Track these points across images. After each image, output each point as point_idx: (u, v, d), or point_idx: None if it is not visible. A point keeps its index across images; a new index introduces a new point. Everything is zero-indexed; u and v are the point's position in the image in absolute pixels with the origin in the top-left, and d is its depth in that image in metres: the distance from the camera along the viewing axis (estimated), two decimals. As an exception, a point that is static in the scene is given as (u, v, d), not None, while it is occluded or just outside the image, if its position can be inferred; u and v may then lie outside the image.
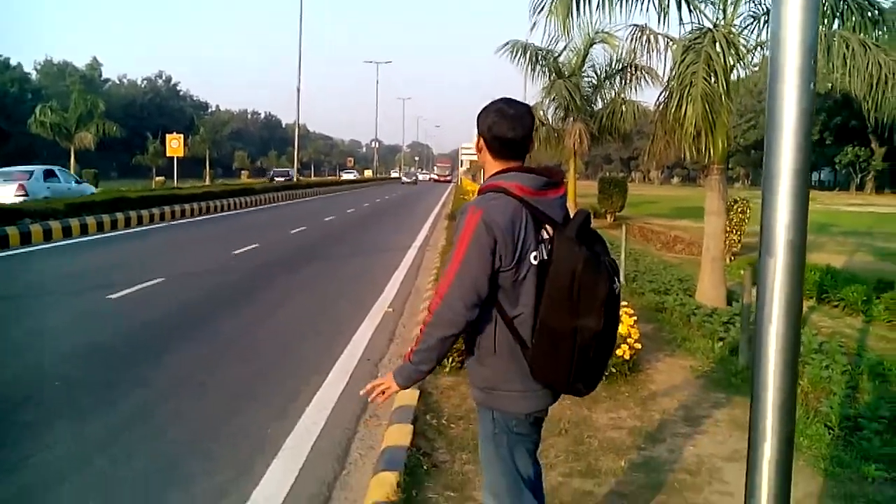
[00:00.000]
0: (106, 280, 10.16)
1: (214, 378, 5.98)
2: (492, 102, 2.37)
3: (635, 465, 4.12)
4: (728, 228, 13.73)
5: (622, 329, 5.61)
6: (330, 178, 77.79)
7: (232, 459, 4.33)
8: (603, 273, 2.19)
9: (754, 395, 1.64)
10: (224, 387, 5.77)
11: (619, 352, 5.52)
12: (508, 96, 2.41)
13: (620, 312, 5.66)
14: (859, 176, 65.10)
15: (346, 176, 77.94)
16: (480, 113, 2.36)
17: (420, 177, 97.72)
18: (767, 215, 1.58)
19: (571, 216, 2.32)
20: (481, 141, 2.37)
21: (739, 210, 14.34)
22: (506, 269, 2.20)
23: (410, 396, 5.04)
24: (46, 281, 10.56)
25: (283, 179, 49.73)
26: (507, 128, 2.29)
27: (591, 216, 2.35)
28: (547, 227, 2.26)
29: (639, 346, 5.69)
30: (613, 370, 5.60)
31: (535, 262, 2.23)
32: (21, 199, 18.19)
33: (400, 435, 4.33)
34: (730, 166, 74.81)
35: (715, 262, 8.88)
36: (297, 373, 6.14)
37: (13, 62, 68.67)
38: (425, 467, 3.99)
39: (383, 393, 2.39)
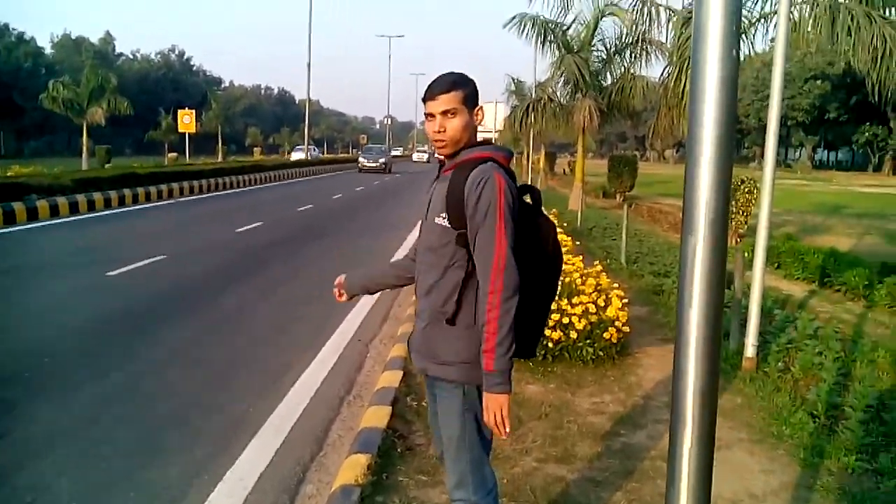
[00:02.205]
0: (107, 257, 10.20)
1: (205, 354, 6.00)
2: (466, 76, 2.43)
3: (612, 452, 4.10)
4: (734, 209, 13.59)
5: (610, 311, 5.57)
6: (341, 155, 71.13)
7: (212, 436, 4.35)
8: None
9: (674, 383, 1.59)
10: (213, 364, 5.79)
11: (605, 335, 5.48)
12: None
13: (610, 294, 5.66)
14: (877, 156, 64.10)
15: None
16: (470, 82, 2.41)
17: (416, 156, 75.73)
18: (689, 190, 1.51)
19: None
20: (482, 111, 2.46)
21: (746, 190, 14.11)
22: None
23: (393, 378, 5.04)
24: (47, 257, 10.62)
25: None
26: None
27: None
28: None
29: (627, 329, 5.65)
30: (601, 353, 5.57)
31: None
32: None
33: (377, 417, 4.33)
34: (745, 145, 74.20)
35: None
36: (288, 351, 6.16)
37: (27, 36, 68.85)
38: (399, 450, 3.99)
39: (502, 414, 2.28)
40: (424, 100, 2.40)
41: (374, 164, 43.84)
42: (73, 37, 76.32)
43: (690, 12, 7.86)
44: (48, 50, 72.76)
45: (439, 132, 2.35)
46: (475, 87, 2.40)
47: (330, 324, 7.02)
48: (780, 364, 5.54)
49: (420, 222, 2.54)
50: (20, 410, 4.61)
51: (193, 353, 6.02)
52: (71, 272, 9.33)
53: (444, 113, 2.34)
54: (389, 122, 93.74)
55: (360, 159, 45.60)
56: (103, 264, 9.48)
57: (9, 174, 20.93)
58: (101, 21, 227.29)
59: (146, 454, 4.08)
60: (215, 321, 7.09)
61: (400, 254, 11.33)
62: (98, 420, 4.53)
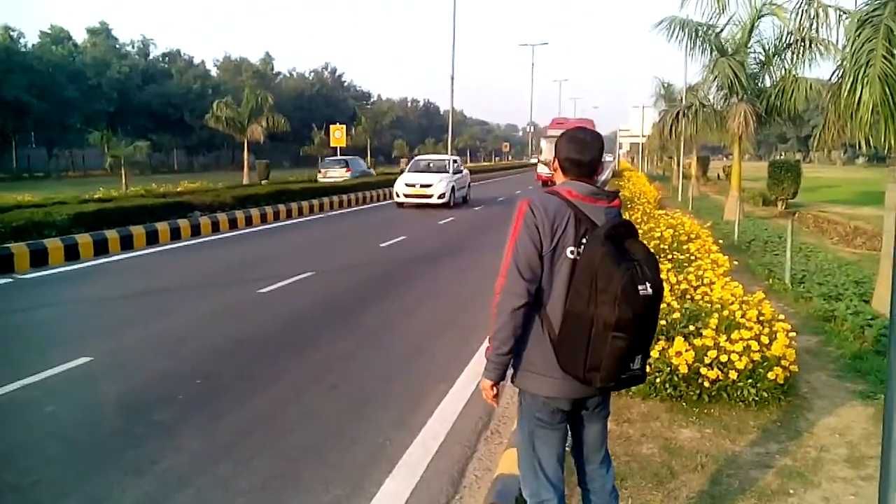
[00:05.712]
0: (260, 273, 10.66)
1: (346, 378, 6.02)
2: (567, 130, 2.72)
3: (781, 516, 3.62)
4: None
5: (775, 349, 5.01)
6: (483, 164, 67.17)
7: (348, 471, 4.28)
8: (623, 269, 2.36)
9: (886, 429, 1.22)
10: (353, 388, 5.79)
11: (770, 375, 4.93)
12: (583, 126, 2.81)
13: (775, 328, 5.09)
14: None
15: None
16: (557, 140, 2.72)
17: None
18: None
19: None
20: (556, 162, 2.70)
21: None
22: (545, 254, 2.50)
23: (533, 416, 4.77)
24: (206, 274, 11.25)
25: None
26: (576, 151, 2.63)
27: (633, 227, 2.61)
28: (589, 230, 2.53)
29: (795, 368, 5.05)
30: (764, 394, 5.02)
31: (570, 257, 2.50)
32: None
33: (515, 461, 4.07)
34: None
35: (897, 265, 7.81)
36: (426, 377, 6.06)
37: (196, 60, 74.70)
38: (539, 501, 3.72)
39: (491, 397, 2.68)
40: None
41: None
42: (232, 59, 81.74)
43: (868, 13, 7.03)
44: (213, 72, 78.40)
45: None
46: (556, 145, 2.72)
47: (469, 346, 6.86)
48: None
49: None
50: (171, 435, 4.77)
51: (334, 378, 6.04)
52: (227, 289, 9.80)
53: None
54: (532, 130, 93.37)
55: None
56: (256, 281, 9.89)
57: (179, 189, 22.69)
58: (260, 43, 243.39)
59: (282, 489, 4.06)
60: (357, 343, 7.13)
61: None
62: (239, 448, 4.59)
